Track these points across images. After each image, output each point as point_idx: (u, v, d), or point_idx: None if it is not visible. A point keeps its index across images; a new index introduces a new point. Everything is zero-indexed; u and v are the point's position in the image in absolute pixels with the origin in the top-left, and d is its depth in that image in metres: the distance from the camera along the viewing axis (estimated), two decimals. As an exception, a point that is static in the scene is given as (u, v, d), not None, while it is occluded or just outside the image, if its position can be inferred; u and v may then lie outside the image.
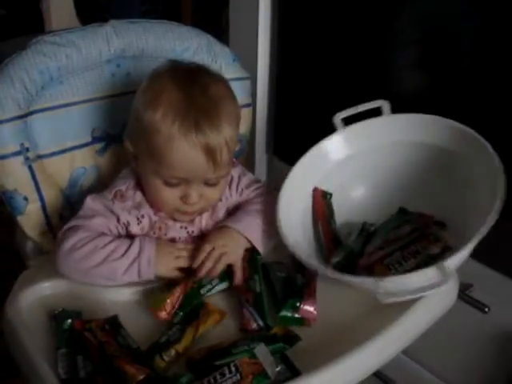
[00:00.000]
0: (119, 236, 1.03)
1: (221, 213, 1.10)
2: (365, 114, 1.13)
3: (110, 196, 1.05)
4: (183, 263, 1.00)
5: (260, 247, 1.04)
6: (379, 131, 1.12)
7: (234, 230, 1.04)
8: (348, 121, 1.13)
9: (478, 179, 0.99)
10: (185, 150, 0.96)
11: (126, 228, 1.04)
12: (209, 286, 0.98)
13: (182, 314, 0.93)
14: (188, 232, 1.07)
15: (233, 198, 1.12)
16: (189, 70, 1.02)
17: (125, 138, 1.06)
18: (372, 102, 1.12)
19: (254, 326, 0.90)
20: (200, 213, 1.07)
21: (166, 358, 0.85)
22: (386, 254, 1.01)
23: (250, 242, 1.03)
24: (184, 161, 0.97)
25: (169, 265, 0.99)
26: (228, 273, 1.00)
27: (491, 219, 0.89)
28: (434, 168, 1.09)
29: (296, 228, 1.04)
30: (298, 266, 1.00)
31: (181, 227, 1.07)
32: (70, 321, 0.90)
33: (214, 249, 1.00)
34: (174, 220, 1.06)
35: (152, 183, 1.02)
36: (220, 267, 0.99)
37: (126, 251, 0.97)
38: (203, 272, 0.98)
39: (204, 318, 0.90)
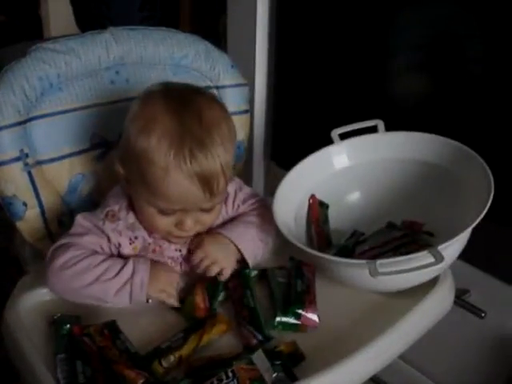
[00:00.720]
0: (112, 255, 1.01)
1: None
2: (361, 130, 1.16)
3: (101, 215, 1.02)
4: (175, 289, 0.99)
5: (250, 257, 1.03)
6: (377, 146, 1.15)
7: (226, 238, 1.04)
8: (344, 136, 1.16)
9: (470, 196, 1.01)
10: (181, 182, 0.93)
11: (118, 249, 1.01)
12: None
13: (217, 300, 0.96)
14: (182, 254, 1.06)
15: (228, 215, 1.10)
16: (181, 93, 0.99)
17: (116, 158, 1.03)
18: (368, 121, 1.15)
19: (255, 341, 0.90)
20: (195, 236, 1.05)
21: (164, 364, 0.86)
22: (377, 254, 1.03)
23: (239, 251, 1.03)
24: (180, 193, 0.94)
25: (162, 289, 0.97)
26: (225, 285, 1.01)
27: (483, 211, 0.91)
28: (426, 184, 1.11)
29: (289, 226, 1.05)
30: (297, 271, 1.01)
31: (175, 249, 1.05)
32: (68, 326, 0.91)
33: (206, 256, 1.01)
34: (169, 242, 1.04)
35: (145, 211, 0.99)
36: (210, 274, 1.00)
37: (119, 271, 0.95)
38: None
39: (209, 328, 0.90)
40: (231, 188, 1.10)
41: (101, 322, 0.92)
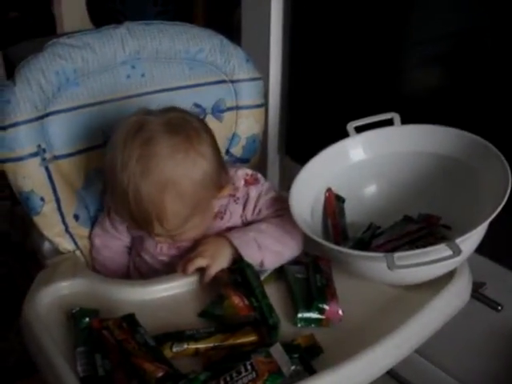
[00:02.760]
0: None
1: (218, 229, 1.08)
2: (376, 123, 1.15)
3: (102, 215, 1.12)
4: None
5: (252, 262, 1.01)
6: (393, 140, 1.14)
7: (227, 241, 1.03)
8: (359, 129, 1.15)
9: (487, 189, 1.00)
10: (122, 213, 0.99)
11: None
12: None
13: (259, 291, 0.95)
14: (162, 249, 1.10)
15: (247, 219, 1.09)
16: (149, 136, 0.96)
17: None
18: (384, 114, 1.14)
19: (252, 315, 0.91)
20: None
21: (174, 349, 0.86)
22: (394, 247, 1.02)
23: (240, 255, 1.01)
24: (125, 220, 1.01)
25: None
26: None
27: (501, 204, 0.91)
28: (443, 177, 1.11)
29: (305, 219, 1.05)
30: (314, 266, 1.01)
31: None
32: (87, 319, 0.91)
33: (199, 256, 1.01)
34: None
35: None
36: (194, 266, 1.00)
37: None
38: (188, 271, 1.00)
39: (238, 335, 0.89)
40: (254, 192, 1.09)
41: (119, 315, 0.92)
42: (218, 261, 1.00)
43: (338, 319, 0.93)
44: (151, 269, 1.12)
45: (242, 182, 1.10)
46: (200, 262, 1.00)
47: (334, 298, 0.94)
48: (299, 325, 0.93)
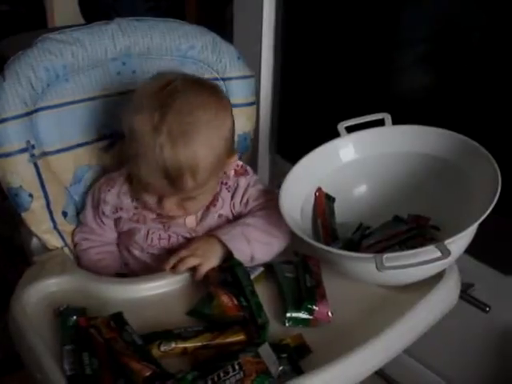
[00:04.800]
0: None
1: (210, 218, 1.10)
2: (367, 123, 1.15)
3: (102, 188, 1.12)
4: None
5: (242, 258, 1.01)
6: (383, 140, 1.15)
7: (215, 238, 1.03)
8: (350, 129, 1.15)
9: (476, 190, 1.01)
10: (148, 170, 0.98)
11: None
12: None
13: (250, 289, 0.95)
14: (165, 227, 1.09)
15: (235, 210, 1.11)
16: (176, 83, 1.00)
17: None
18: (375, 115, 1.14)
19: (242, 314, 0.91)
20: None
21: (162, 348, 0.86)
22: (384, 248, 1.02)
23: (231, 253, 1.01)
24: (148, 179, 0.99)
25: None
26: None
27: (491, 205, 0.91)
28: (433, 178, 1.11)
29: (295, 219, 1.05)
30: (304, 266, 1.01)
31: (159, 222, 1.09)
32: (74, 318, 0.91)
33: (190, 256, 1.01)
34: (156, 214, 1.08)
35: (135, 184, 1.06)
36: (186, 265, 1.00)
37: None
38: (178, 271, 1.00)
39: (226, 334, 0.89)
40: (244, 182, 1.11)
41: (107, 312, 0.91)
42: (209, 259, 1.01)
43: (326, 320, 0.93)
44: (140, 263, 1.12)
45: (233, 172, 1.12)
46: (192, 262, 1.00)
47: (323, 299, 0.94)
48: (287, 324, 0.93)
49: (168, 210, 1.03)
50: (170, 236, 1.09)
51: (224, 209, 1.11)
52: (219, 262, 1.01)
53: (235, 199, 1.11)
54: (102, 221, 1.13)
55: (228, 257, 1.02)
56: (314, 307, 0.93)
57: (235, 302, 0.93)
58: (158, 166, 0.96)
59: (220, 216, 1.11)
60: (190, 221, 1.10)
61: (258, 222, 1.07)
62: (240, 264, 0.99)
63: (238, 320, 0.91)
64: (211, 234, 1.06)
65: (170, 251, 1.06)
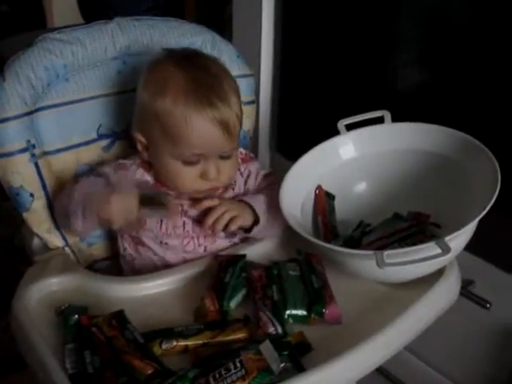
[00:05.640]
0: None
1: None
2: (367, 121, 1.16)
3: (109, 169, 1.09)
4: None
5: (263, 219, 1.07)
6: (383, 137, 1.15)
7: (242, 201, 1.09)
8: (350, 127, 1.16)
9: (476, 187, 1.01)
10: (202, 125, 1.01)
11: None
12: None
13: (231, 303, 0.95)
14: (184, 210, 1.09)
15: (250, 191, 1.16)
16: (185, 54, 1.07)
17: (134, 131, 1.08)
18: (375, 112, 1.15)
19: (272, 330, 0.89)
20: (215, 190, 1.10)
21: (164, 346, 0.86)
22: (384, 245, 1.02)
23: (256, 214, 1.07)
24: (202, 136, 1.02)
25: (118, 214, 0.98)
26: (248, 280, 1.00)
27: (490, 202, 0.91)
28: (433, 175, 1.11)
29: (296, 216, 1.06)
30: (309, 265, 1.01)
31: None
32: (76, 316, 0.91)
33: (225, 211, 1.05)
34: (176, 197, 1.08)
35: (171, 167, 1.05)
36: (232, 228, 1.04)
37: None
38: (217, 229, 1.04)
39: (228, 332, 0.89)
40: (254, 167, 1.18)
41: (109, 311, 0.92)
42: (244, 216, 1.06)
43: (338, 322, 0.94)
44: (152, 254, 1.11)
45: (240, 160, 1.16)
46: (229, 215, 1.05)
47: (332, 301, 0.94)
48: (287, 321, 0.93)
49: (213, 175, 1.05)
50: (184, 223, 1.09)
51: (239, 192, 1.14)
52: (251, 222, 1.07)
53: (249, 183, 1.16)
54: None
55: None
56: (325, 310, 0.93)
57: (217, 306, 0.94)
58: (212, 121, 1.00)
59: (235, 198, 1.13)
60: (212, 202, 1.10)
61: (272, 197, 1.10)
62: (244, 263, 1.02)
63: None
64: (238, 199, 1.10)
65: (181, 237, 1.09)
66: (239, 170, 1.16)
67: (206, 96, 1.00)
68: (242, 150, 1.18)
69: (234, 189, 1.14)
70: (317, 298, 0.95)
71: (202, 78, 1.02)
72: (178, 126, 1.01)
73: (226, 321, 0.93)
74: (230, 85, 1.05)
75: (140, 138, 1.07)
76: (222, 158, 1.06)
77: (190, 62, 1.04)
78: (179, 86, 1.01)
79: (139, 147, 1.08)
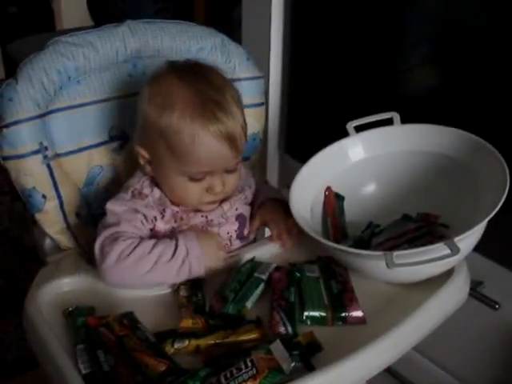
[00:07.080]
0: (152, 233, 1.06)
1: (238, 203, 1.13)
2: (376, 122, 1.16)
3: (127, 197, 1.06)
4: (225, 252, 1.06)
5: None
6: (392, 139, 1.15)
7: (278, 201, 1.15)
8: (359, 128, 1.16)
9: (485, 188, 1.01)
10: (209, 142, 1.00)
11: (154, 224, 1.05)
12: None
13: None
14: (207, 220, 1.09)
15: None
16: (188, 66, 1.06)
17: (136, 145, 1.07)
18: (384, 114, 1.15)
19: (282, 329, 0.90)
20: (222, 201, 1.10)
21: (176, 345, 0.87)
22: (393, 246, 1.03)
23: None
24: (209, 153, 1.01)
25: (217, 257, 1.03)
26: (269, 282, 1.00)
27: (499, 203, 0.92)
28: (442, 176, 1.11)
29: (305, 218, 1.06)
30: (328, 269, 1.02)
31: (201, 216, 1.09)
32: (83, 318, 0.91)
33: (286, 231, 1.10)
34: (195, 211, 1.08)
35: (176, 183, 1.04)
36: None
37: (174, 254, 0.99)
38: (294, 242, 1.10)
39: (240, 333, 0.90)
40: (251, 181, 1.20)
41: (120, 311, 0.92)
42: (290, 219, 1.06)
43: (362, 322, 0.94)
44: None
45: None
46: (293, 233, 1.10)
47: (352, 303, 0.95)
48: (304, 323, 0.93)
49: (219, 189, 1.05)
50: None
51: (248, 199, 1.17)
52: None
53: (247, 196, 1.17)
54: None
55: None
56: (346, 314, 0.94)
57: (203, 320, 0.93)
58: (222, 134, 1.00)
59: (246, 203, 1.16)
60: (227, 207, 1.11)
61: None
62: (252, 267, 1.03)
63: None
64: (270, 198, 1.17)
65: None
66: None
67: (212, 113, 0.99)
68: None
69: (244, 192, 1.15)
70: (337, 304, 0.95)
71: (207, 93, 1.00)
72: (184, 143, 1.00)
73: (240, 320, 0.93)
74: (232, 96, 1.03)
75: (143, 152, 1.06)
76: (228, 171, 1.06)
77: (194, 75, 1.03)
78: (185, 103, 0.99)
79: (141, 161, 1.07)
